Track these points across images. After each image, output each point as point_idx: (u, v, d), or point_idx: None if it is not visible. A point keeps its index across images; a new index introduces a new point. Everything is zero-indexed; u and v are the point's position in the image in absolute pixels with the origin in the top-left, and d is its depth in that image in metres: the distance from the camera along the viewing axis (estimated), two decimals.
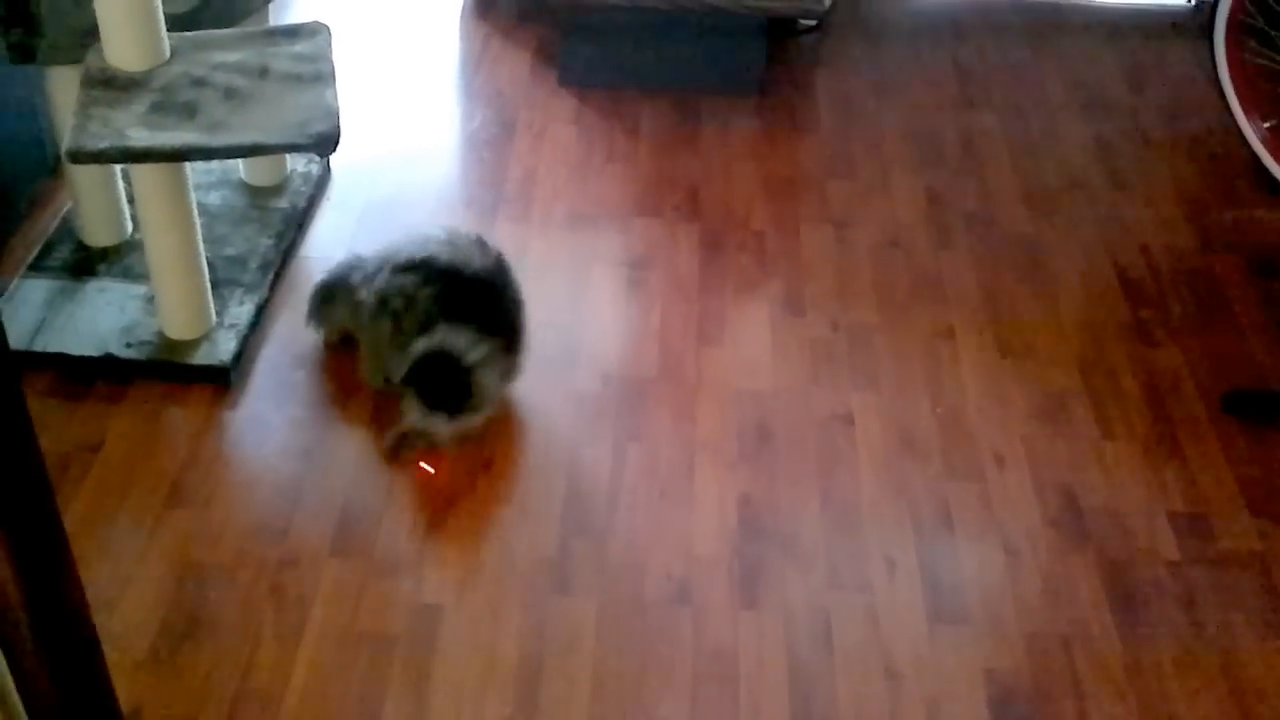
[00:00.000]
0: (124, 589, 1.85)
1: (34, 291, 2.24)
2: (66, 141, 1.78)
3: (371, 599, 1.86)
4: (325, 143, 1.81)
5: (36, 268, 2.30)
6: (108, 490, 1.99)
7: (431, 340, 2.00)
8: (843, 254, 2.52)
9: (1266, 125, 2.72)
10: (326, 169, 2.59)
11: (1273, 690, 1.80)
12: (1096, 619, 1.88)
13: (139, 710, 1.70)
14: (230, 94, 1.87)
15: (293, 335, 2.27)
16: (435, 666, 1.78)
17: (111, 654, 1.71)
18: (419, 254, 2.07)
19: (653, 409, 2.18)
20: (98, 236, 2.32)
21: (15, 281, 2.27)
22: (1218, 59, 2.77)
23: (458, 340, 2.00)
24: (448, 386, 2.01)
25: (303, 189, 2.50)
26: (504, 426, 2.13)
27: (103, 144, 1.75)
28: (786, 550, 1.96)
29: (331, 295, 2.20)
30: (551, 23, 2.96)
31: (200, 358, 2.14)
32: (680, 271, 2.46)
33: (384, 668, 1.77)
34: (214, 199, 2.45)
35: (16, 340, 2.14)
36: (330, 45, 2.01)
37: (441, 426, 2.02)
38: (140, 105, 1.83)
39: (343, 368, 2.23)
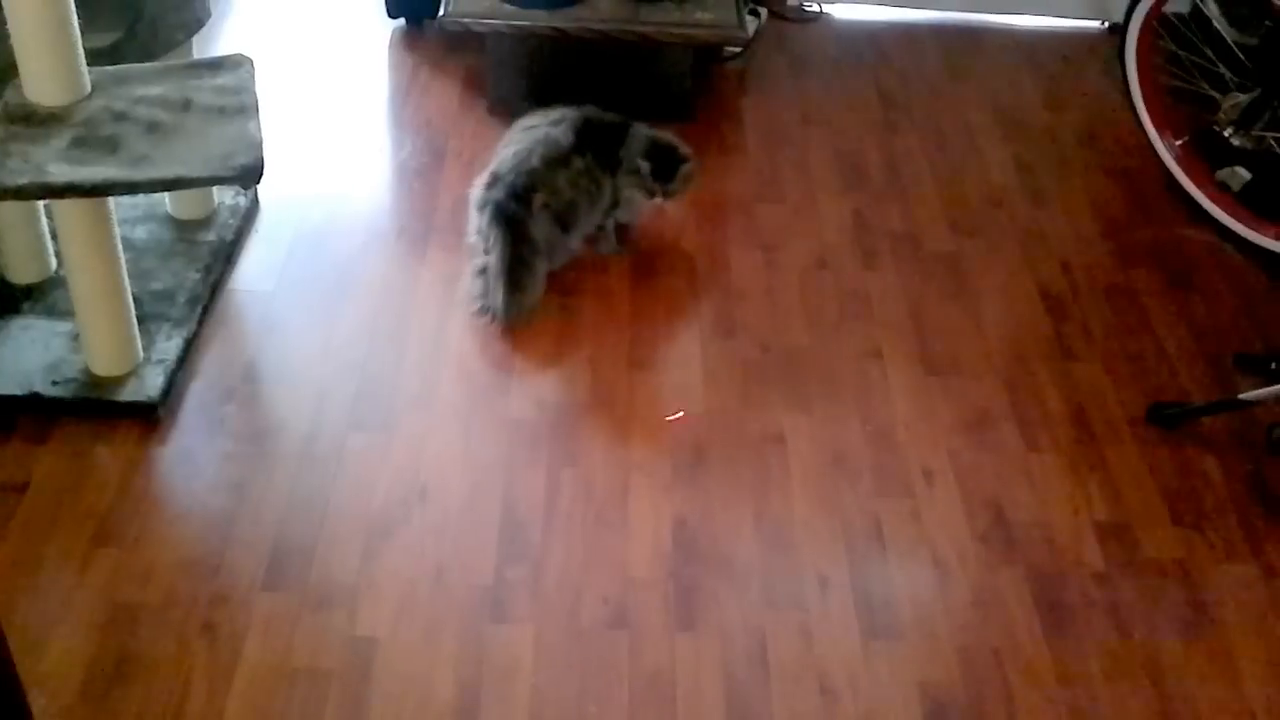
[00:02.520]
0: (51, 630, 1.82)
1: None
2: None
3: (304, 634, 1.84)
4: (249, 175, 1.80)
5: None
6: (34, 531, 1.95)
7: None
8: (772, 276, 2.55)
9: (1178, 143, 2.80)
10: (255, 201, 2.58)
11: (1198, 695, 1.84)
12: (1026, 630, 1.91)
13: None
14: (153, 128, 1.86)
15: (222, 369, 2.25)
16: (371, 700, 1.77)
17: (40, 699, 1.71)
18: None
19: (586, 434, 2.19)
20: (20, 273, 2.29)
21: None
22: (1130, 80, 2.84)
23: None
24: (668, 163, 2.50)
25: (230, 221, 2.48)
26: (437, 455, 2.13)
27: (22, 180, 1.73)
28: (721, 571, 1.97)
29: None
30: (479, 52, 2.97)
31: (127, 394, 2.12)
32: (611, 298, 2.48)
33: (318, 704, 1.76)
34: (140, 233, 2.43)
35: None
36: (253, 77, 2.01)
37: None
38: (60, 140, 1.81)
39: (273, 399, 2.22)
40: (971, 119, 3.04)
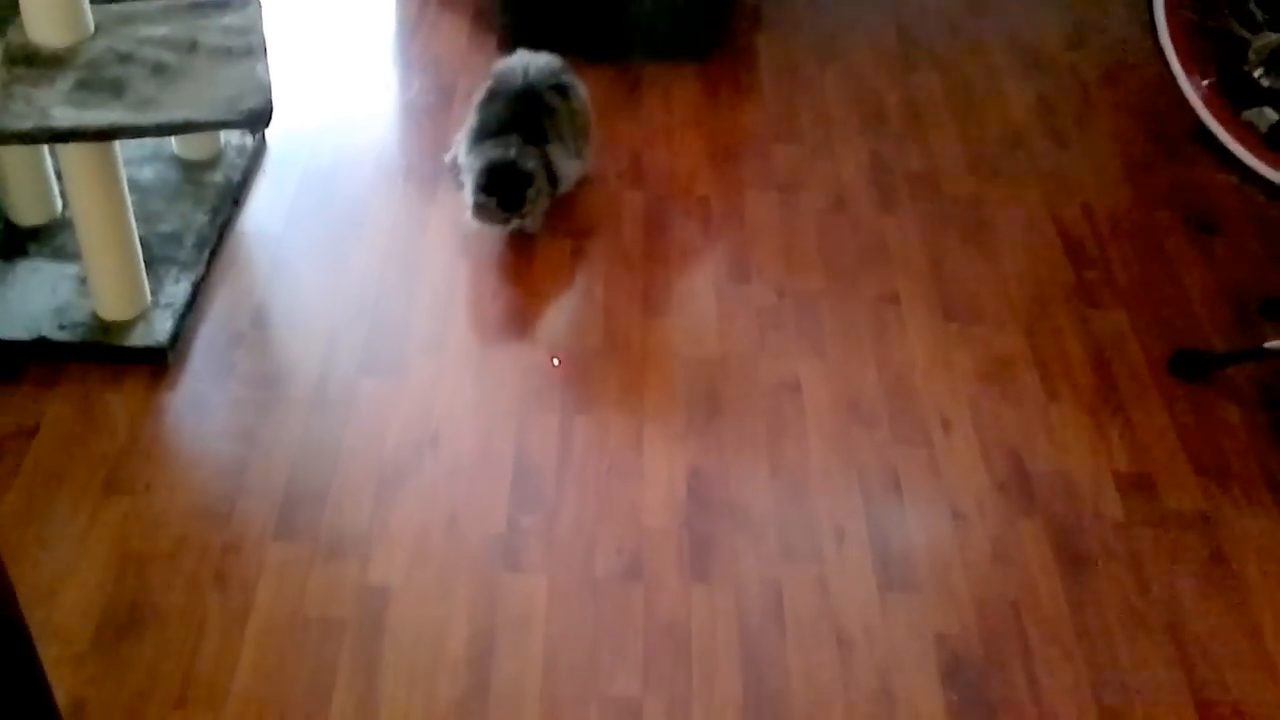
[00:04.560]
0: (64, 580, 1.81)
1: None
2: None
3: (317, 582, 1.83)
4: (257, 118, 1.76)
5: None
6: (44, 478, 1.94)
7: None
8: (788, 219, 2.50)
9: (1205, 83, 2.73)
10: (262, 141, 2.53)
11: (1217, 648, 1.83)
12: (1045, 582, 1.89)
13: (82, 704, 1.67)
14: (159, 69, 1.81)
15: (231, 313, 2.22)
16: (384, 649, 1.76)
17: (53, 648, 1.70)
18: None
19: (599, 382, 2.16)
20: (26, 215, 2.25)
21: None
22: (1156, 17, 2.77)
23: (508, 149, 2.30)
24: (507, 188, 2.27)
25: (237, 161, 2.44)
26: (448, 401, 2.10)
27: (26, 124, 1.69)
28: (737, 522, 1.95)
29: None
30: None
31: (136, 339, 2.09)
32: (624, 241, 2.44)
33: (332, 652, 1.75)
34: (147, 174, 2.39)
35: None
36: (260, 17, 1.96)
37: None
38: (64, 83, 1.76)
39: (283, 344, 2.20)
40: (992, 57, 2.97)
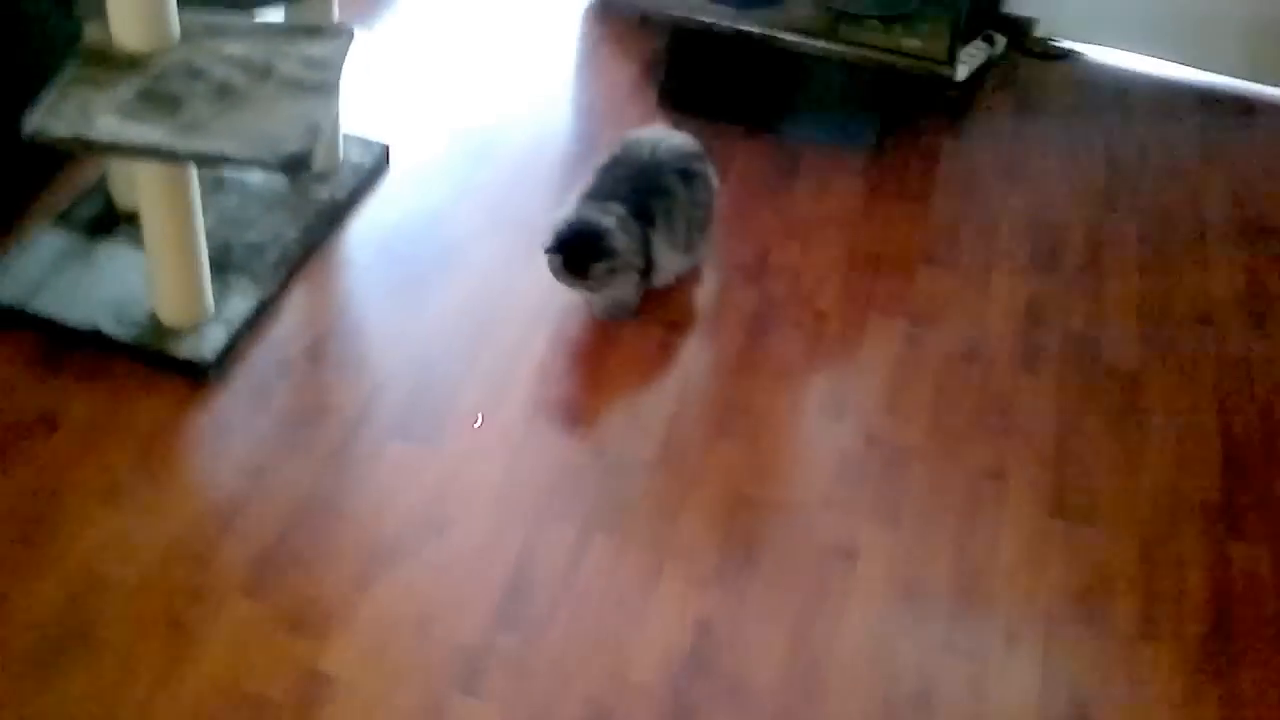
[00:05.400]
0: (23, 586, 1.75)
1: (49, 246, 2.17)
2: (30, 120, 1.67)
3: (266, 654, 1.71)
4: (292, 166, 1.65)
5: (64, 218, 2.22)
6: (47, 476, 1.89)
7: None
8: (908, 356, 2.23)
9: None
10: (383, 162, 2.45)
11: None
12: None
13: None
14: (223, 92, 1.73)
15: (289, 339, 2.14)
16: None
17: None
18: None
19: (636, 499, 1.96)
20: (124, 198, 2.23)
21: (39, 230, 2.21)
22: None
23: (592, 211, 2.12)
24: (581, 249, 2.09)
25: (349, 181, 2.36)
26: (471, 484, 1.95)
27: (65, 131, 1.64)
28: (732, 698, 1.72)
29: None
30: (665, 38, 2.74)
31: (184, 350, 2.03)
32: (718, 345, 2.22)
33: None
34: (255, 178, 2.34)
35: (14, 297, 2.07)
36: (346, 53, 1.85)
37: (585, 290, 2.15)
38: (127, 91, 1.70)
39: (329, 383, 2.09)
40: (1208, 214, 2.59)
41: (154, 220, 1.94)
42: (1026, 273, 2.43)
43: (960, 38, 2.53)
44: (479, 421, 2.02)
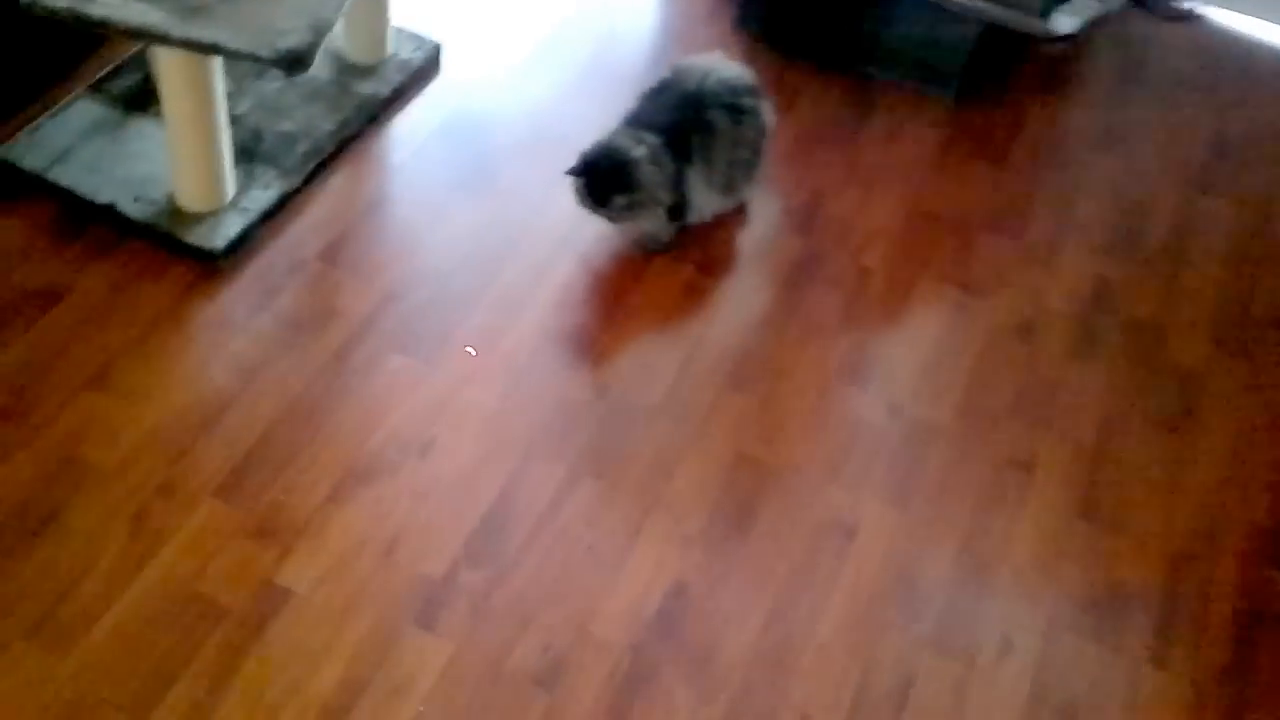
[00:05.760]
0: (4, 457, 1.75)
1: (81, 116, 2.13)
2: None
3: (227, 559, 1.67)
4: (289, 63, 1.57)
5: (98, 89, 2.18)
6: (40, 351, 1.86)
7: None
8: (953, 326, 2.09)
9: None
10: (434, 62, 2.36)
11: None
12: None
13: None
14: None
15: (306, 236, 2.08)
16: (250, 660, 1.58)
17: None
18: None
19: (633, 446, 1.87)
20: None
21: (73, 98, 2.17)
22: None
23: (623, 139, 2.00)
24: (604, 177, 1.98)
25: (395, 77, 2.28)
26: (465, 407, 1.87)
27: (60, 3, 1.57)
28: (693, 668, 1.63)
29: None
30: None
31: (196, 236, 1.98)
32: (747, 291, 2.10)
33: (200, 640, 1.59)
34: None
35: (36, 164, 2.04)
36: None
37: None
38: None
39: (339, 287, 2.02)
40: None
41: (174, 101, 1.88)
42: (1098, 251, 2.24)
43: None
44: (473, 352, 1.94)
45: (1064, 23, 2.55)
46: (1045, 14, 2.27)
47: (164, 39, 1.59)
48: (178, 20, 1.59)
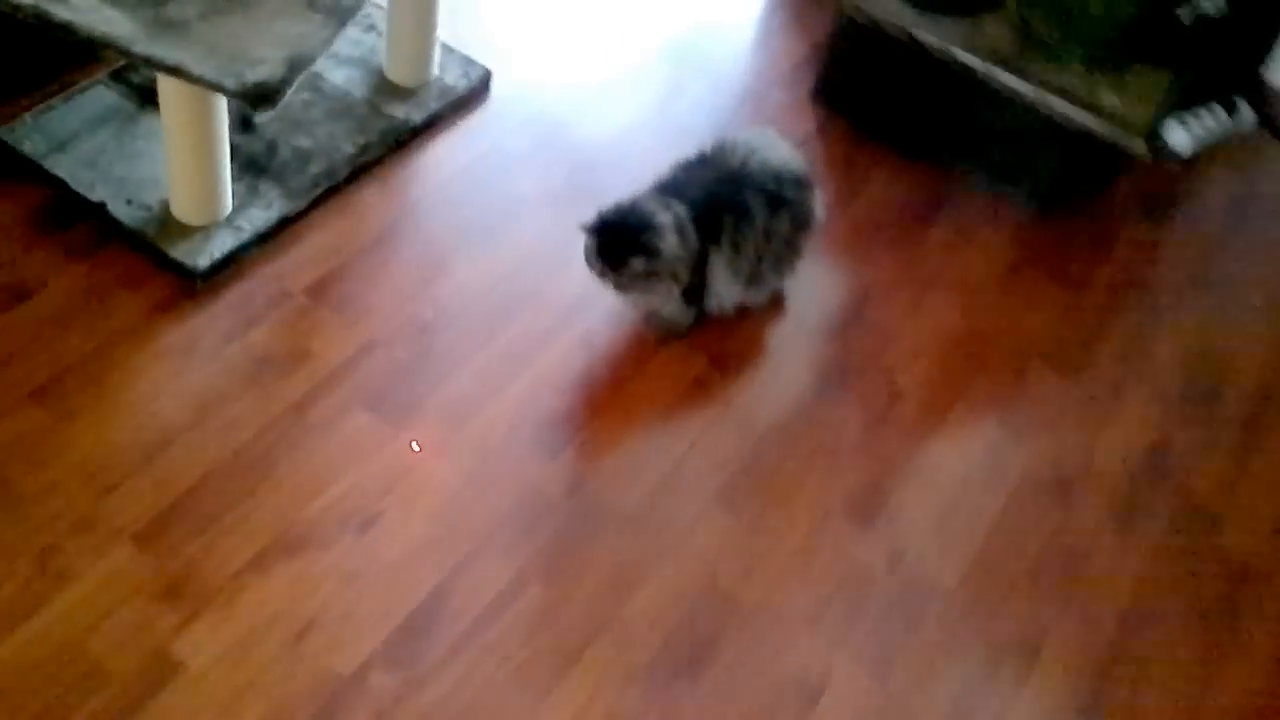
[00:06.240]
0: None
1: (94, 103, 2.02)
2: None
3: (126, 616, 1.54)
4: (254, 97, 1.42)
5: (118, 77, 2.07)
6: None
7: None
8: (982, 471, 1.86)
9: None
10: (477, 93, 2.20)
11: None
12: None
13: None
14: None
15: (299, 266, 1.93)
16: None
17: None
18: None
19: (594, 554, 1.68)
20: None
21: (91, 83, 2.06)
22: None
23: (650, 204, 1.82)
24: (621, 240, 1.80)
25: (431, 104, 2.13)
26: (424, 483, 1.71)
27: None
28: None
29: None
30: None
31: (180, 251, 1.86)
32: (763, 394, 1.90)
33: (72, 705, 1.46)
34: (337, 78, 2.13)
35: (36, 149, 1.94)
36: None
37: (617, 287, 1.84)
38: None
39: (319, 328, 1.87)
40: None
41: (171, 108, 1.76)
42: (1167, 406, 2.00)
43: (1178, 104, 2.08)
44: (417, 448, 1.77)
45: (1178, 138, 2.29)
46: (1152, 135, 2.01)
47: (126, 53, 1.46)
48: (147, 35, 1.46)
